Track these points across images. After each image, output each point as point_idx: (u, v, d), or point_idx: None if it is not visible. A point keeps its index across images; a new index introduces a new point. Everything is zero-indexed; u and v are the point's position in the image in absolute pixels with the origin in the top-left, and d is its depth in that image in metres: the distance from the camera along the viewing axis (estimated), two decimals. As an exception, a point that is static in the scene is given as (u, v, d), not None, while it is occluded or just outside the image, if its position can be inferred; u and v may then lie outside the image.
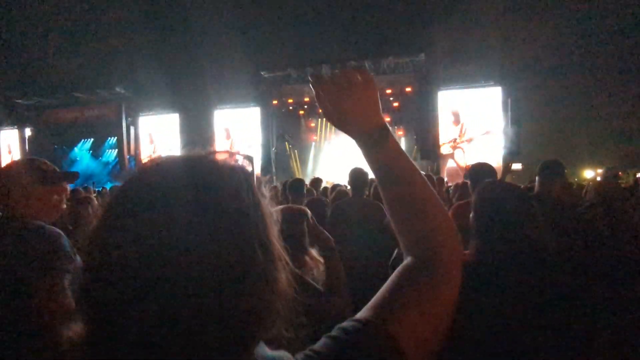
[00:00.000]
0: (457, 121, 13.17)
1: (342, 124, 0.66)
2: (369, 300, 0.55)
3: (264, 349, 0.44)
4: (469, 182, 2.47)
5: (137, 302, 0.36)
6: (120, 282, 0.36)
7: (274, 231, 0.44)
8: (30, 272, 1.29)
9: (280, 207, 1.44)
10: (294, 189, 3.55)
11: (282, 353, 0.46)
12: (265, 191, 0.47)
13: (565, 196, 2.61)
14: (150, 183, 0.41)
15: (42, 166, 1.50)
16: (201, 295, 0.36)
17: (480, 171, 2.34)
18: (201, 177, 0.41)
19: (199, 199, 0.39)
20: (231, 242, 0.38)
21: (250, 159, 0.48)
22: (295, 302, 0.45)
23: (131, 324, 0.36)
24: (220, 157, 0.46)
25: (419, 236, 0.61)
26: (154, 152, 15.90)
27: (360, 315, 0.52)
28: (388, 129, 0.64)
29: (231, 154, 0.47)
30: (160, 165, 0.44)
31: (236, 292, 0.38)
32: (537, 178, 2.58)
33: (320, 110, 0.67)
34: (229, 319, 0.37)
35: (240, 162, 0.46)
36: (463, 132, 13.11)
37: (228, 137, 15.10)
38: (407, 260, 0.61)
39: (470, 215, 1.31)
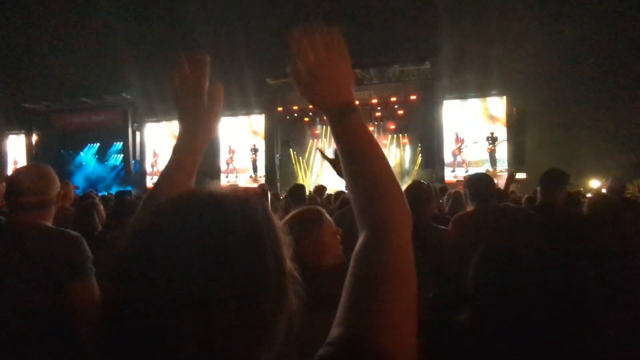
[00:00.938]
0: (457, 140, 13.27)
1: (311, 92, 0.67)
2: None
3: None
4: (466, 191, 2.46)
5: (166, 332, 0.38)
6: (146, 315, 0.38)
7: (287, 255, 0.47)
8: (64, 278, 1.31)
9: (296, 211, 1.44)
10: (295, 195, 3.52)
11: None
12: (277, 217, 0.49)
13: (569, 207, 2.60)
14: (175, 219, 0.43)
15: (51, 171, 1.53)
16: (221, 315, 0.39)
17: (478, 181, 2.34)
18: (223, 214, 0.44)
19: (221, 234, 0.42)
20: (249, 271, 0.41)
21: (265, 189, 0.51)
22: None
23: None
24: (238, 191, 0.49)
25: (374, 207, 0.61)
26: (156, 160, 16.03)
27: (334, 334, 0.51)
28: (355, 106, 0.66)
29: (247, 189, 0.50)
30: (185, 200, 0.46)
31: (251, 313, 0.41)
32: (538, 188, 2.56)
33: (289, 71, 0.68)
34: (242, 337, 0.40)
35: (255, 195, 0.49)
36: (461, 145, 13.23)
37: (230, 152, 15.24)
38: (362, 237, 0.61)
39: (469, 274, 1.32)
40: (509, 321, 1.20)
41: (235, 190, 0.49)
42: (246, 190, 0.51)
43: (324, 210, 1.46)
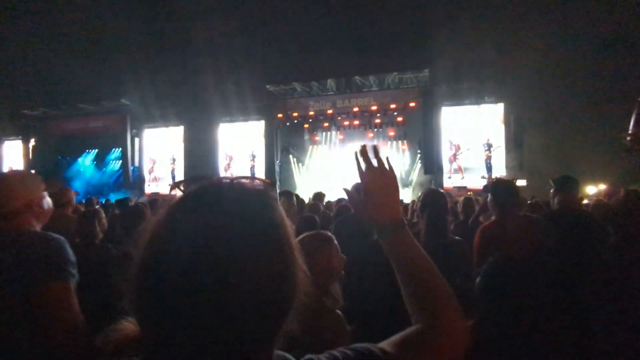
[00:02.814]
0: (452, 147, 13.37)
1: (365, 212, 0.80)
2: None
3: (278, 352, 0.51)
4: (489, 197, 2.46)
5: (191, 302, 0.41)
6: (176, 285, 0.41)
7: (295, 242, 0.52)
8: (39, 277, 1.28)
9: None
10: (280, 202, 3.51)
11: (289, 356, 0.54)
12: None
13: (583, 210, 2.62)
14: (205, 200, 0.47)
15: (26, 175, 1.52)
16: (241, 293, 0.42)
17: (503, 189, 2.35)
18: (244, 199, 0.48)
19: (242, 216, 0.46)
20: (266, 249, 0.45)
21: (273, 183, 0.56)
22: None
23: (183, 324, 0.41)
24: (250, 183, 0.53)
25: (424, 307, 0.72)
26: (153, 167, 16.00)
27: (382, 345, 0.62)
28: (404, 222, 0.78)
29: (256, 179, 0.55)
30: (214, 186, 0.50)
31: (270, 291, 0.44)
32: (556, 193, 2.56)
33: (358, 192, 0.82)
34: (263, 313, 0.44)
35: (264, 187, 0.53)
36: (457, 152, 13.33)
37: (228, 158, 15.25)
38: (415, 327, 0.71)
39: (477, 282, 1.33)
40: (511, 330, 1.20)
41: (252, 181, 0.53)
42: (261, 180, 0.55)
43: (333, 237, 1.47)
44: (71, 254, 1.39)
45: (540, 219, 2.48)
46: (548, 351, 1.18)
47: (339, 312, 1.37)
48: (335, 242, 1.46)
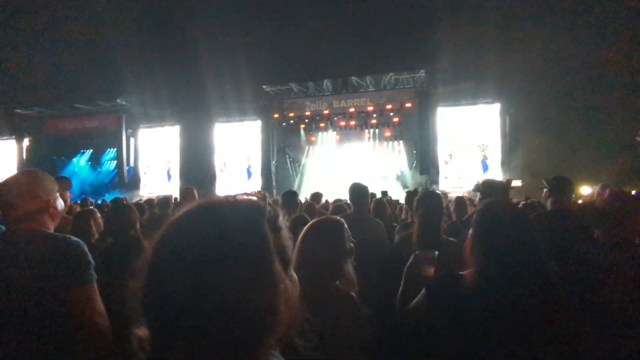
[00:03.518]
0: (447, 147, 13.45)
1: None
2: None
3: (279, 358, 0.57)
4: (478, 195, 2.46)
5: (191, 308, 0.48)
6: (177, 292, 0.48)
7: (289, 254, 0.59)
8: (66, 282, 1.29)
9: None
10: (286, 202, 3.49)
11: None
12: (283, 222, 0.60)
13: (579, 212, 2.62)
14: (202, 218, 0.55)
15: (42, 176, 1.50)
16: (228, 299, 0.49)
17: (492, 188, 2.34)
18: (239, 216, 0.56)
19: (236, 232, 0.53)
20: (254, 261, 0.52)
21: (264, 197, 0.60)
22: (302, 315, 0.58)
23: (187, 323, 0.48)
24: (246, 200, 0.59)
25: None
26: (149, 167, 15.94)
27: None
28: None
29: (248, 195, 0.61)
30: (202, 208, 0.57)
31: (253, 297, 0.50)
32: (550, 194, 2.55)
33: None
34: (246, 319, 0.50)
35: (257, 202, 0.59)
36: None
37: (224, 158, 15.22)
38: None
39: (469, 232, 1.32)
40: (511, 276, 1.18)
41: (241, 198, 0.59)
42: (252, 195, 0.64)
43: (344, 221, 1.48)
44: (90, 257, 1.39)
45: (533, 218, 2.48)
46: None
47: (353, 294, 1.37)
48: (346, 226, 1.46)
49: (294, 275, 0.61)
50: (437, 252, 1.62)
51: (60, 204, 1.51)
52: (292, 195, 3.63)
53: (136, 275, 0.52)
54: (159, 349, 0.50)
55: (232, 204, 0.57)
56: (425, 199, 2.25)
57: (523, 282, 1.17)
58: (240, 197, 0.59)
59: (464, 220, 3.23)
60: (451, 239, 2.24)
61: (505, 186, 2.37)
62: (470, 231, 1.31)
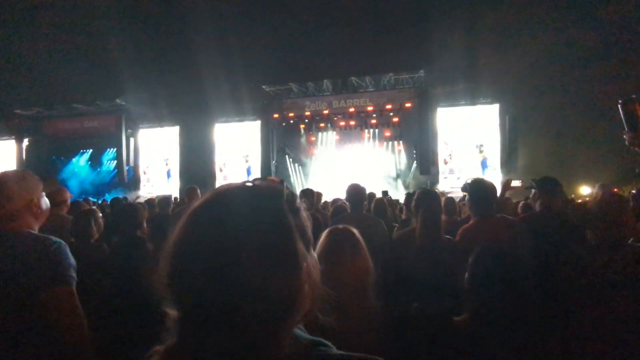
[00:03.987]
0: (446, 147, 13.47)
1: None
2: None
3: (304, 333, 0.58)
4: (466, 198, 2.44)
5: (215, 285, 0.50)
6: (202, 272, 0.50)
7: (309, 234, 0.59)
8: (44, 283, 1.28)
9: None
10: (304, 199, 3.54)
11: (320, 339, 0.58)
12: (300, 204, 0.61)
13: (568, 212, 2.62)
14: (223, 203, 0.57)
15: (26, 175, 1.48)
16: (253, 278, 0.50)
17: (478, 189, 2.32)
18: (258, 199, 0.57)
19: (256, 213, 0.55)
20: (276, 240, 0.53)
21: (282, 182, 0.64)
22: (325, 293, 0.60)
23: (212, 300, 0.50)
24: (264, 183, 0.61)
25: None
26: (148, 167, 15.94)
27: None
28: None
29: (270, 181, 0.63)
30: (228, 190, 0.59)
31: (277, 276, 0.52)
32: (538, 195, 2.56)
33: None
34: (272, 297, 0.51)
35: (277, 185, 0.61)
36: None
37: (223, 158, 15.22)
38: None
39: (465, 276, 1.34)
40: (504, 316, 1.22)
41: (259, 182, 0.61)
42: (271, 180, 0.65)
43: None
44: (72, 258, 1.38)
45: (517, 220, 2.46)
46: (539, 336, 1.20)
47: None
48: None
49: (314, 254, 0.62)
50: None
51: (45, 203, 1.50)
52: (309, 194, 3.67)
53: (161, 261, 0.54)
54: (189, 329, 0.52)
55: (251, 189, 0.58)
56: (425, 199, 2.25)
57: (517, 334, 1.20)
58: (257, 182, 0.60)
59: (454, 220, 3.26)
60: (449, 237, 2.26)
61: (493, 186, 2.34)
62: (466, 275, 1.34)
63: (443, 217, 2.32)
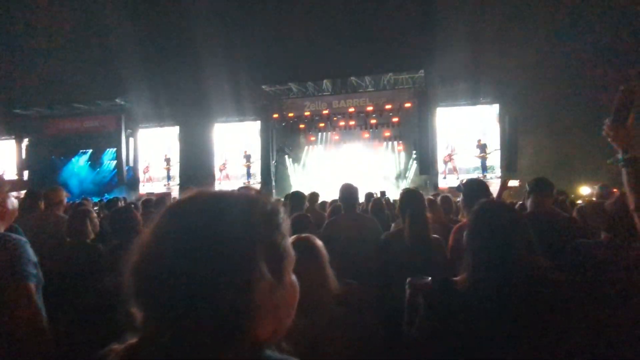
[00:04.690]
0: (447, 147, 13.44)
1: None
2: None
3: (274, 354, 0.56)
4: (461, 197, 2.46)
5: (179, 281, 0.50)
6: (168, 270, 0.51)
7: (285, 254, 0.57)
8: (1, 277, 1.29)
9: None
10: (293, 202, 3.53)
11: (289, 358, 0.57)
12: (283, 219, 0.59)
13: (557, 213, 2.63)
14: (189, 210, 0.56)
15: None
16: (211, 288, 0.50)
17: (471, 188, 2.33)
18: (224, 210, 0.56)
19: (217, 224, 0.53)
20: (231, 255, 0.52)
21: (267, 195, 0.60)
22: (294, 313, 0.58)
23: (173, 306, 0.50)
24: (242, 194, 0.59)
25: None
26: (148, 167, 15.95)
27: None
28: None
29: (250, 191, 0.59)
30: (195, 199, 0.58)
31: (226, 292, 0.50)
32: (529, 196, 2.58)
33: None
34: (220, 313, 0.50)
35: (258, 199, 0.59)
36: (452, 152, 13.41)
37: (223, 158, 15.22)
38: None
39: (464, 233, 1.32)
40: (506, 277, 1.19)
41: (238, 192, 0.60)
42: (247, 189, 0.58)
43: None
44: (32, 255, 1.39)
45: None
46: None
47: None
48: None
49: (294, 279, 0.59)
50: (430, 278, 1.62)
51: (11, 203, 1.51)
52: (299, 197, 3.66)
53: (132, 254, 0.54)
54: (150, 330, 0.52)
55: (222, 198, 0.57)
56: (409, 199, 2.26)
57: (514, 283, 1.18)
58: (237, 191, 0.59)
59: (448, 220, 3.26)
60: (437, 236, 2.27)
61: (486, 185, 2.35)
62: (465, 233, 1.32)
63: (428, 215, 2.32)
